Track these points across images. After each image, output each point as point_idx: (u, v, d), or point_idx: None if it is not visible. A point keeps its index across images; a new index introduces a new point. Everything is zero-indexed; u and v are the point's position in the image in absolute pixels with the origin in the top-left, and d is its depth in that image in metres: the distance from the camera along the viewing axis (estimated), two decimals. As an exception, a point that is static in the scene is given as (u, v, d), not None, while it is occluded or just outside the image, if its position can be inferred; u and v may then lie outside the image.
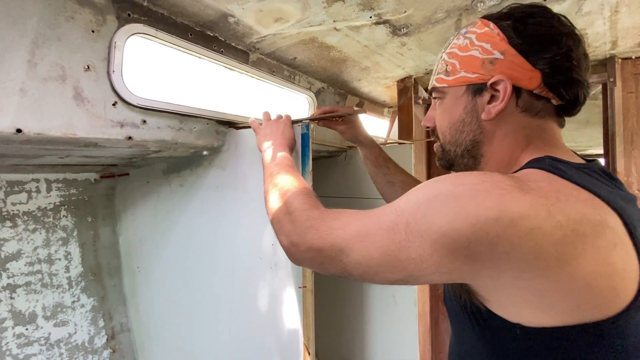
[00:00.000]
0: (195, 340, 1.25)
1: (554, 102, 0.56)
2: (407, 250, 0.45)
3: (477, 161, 0.62)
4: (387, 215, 0.50)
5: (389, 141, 1.93)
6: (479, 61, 0.57)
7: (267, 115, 1.00)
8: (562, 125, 0.59)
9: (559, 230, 0.39)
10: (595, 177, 0.49)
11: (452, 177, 0.47)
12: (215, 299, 1.19)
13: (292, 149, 0.91)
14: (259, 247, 1.07)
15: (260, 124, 0.98)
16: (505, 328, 0.45)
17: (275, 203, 0.70)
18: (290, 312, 1.00)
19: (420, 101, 1.87)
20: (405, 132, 1.80)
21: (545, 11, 0.56)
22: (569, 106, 0.57)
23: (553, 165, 0.49)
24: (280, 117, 0.97)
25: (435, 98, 0.66)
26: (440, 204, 0.44)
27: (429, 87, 0.69)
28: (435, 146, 0.70)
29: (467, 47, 0.59)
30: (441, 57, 0.65)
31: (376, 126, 2.32)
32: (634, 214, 0.45)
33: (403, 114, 1.80)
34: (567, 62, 0.53)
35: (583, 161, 0.55)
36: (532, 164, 0.52)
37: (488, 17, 0.58)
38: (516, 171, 0.52)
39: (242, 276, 1.12)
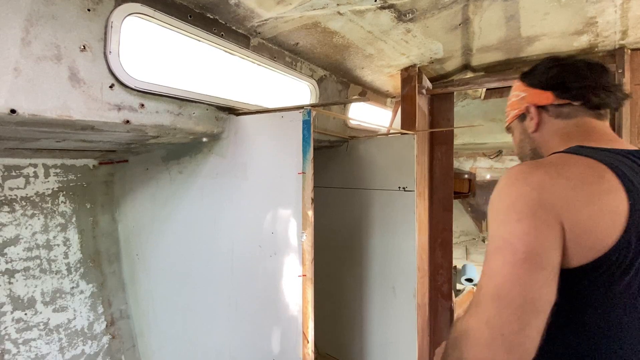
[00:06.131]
0: (194, 328, 1.25)
1: (576, 104, 0.79)
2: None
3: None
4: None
5: (391, 131, 1.90)
6: (516, 102, 0.90)
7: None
8: (600, 117, 0.79)
9: (568, 180, 0.61)
10: (614, 155, 0.66)
11: (497, 194, 0.66)
12: (214, 286, 1.18)
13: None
14: (259, 236, 1.06)
15: None
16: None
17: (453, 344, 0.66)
18: (290, 301, 0.99)
19: (424, 91, 1.84)
20: (408, 122, 1.77)
21: (550, 58, 0.85)
22: (590, 104, 0.78)
23: (573, 149, 0.71)
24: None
25: (511, 134, 0.98)
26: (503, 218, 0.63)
27: (506, 128, 1.00)
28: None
29: (510, 97, 0.93)
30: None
31: (379, 116, 2.30)
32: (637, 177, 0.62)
33: (406, 103, 1.77)
34: (558, 79, 0.81)
35: (623, 147, 0.71)
36: (566, 149, 0.73)
37: (519, 76, 0.90)
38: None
39: (241, 264, 1.11)
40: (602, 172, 0.61)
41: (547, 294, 0.56)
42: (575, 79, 0.79)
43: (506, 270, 0.57)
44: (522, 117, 0.90)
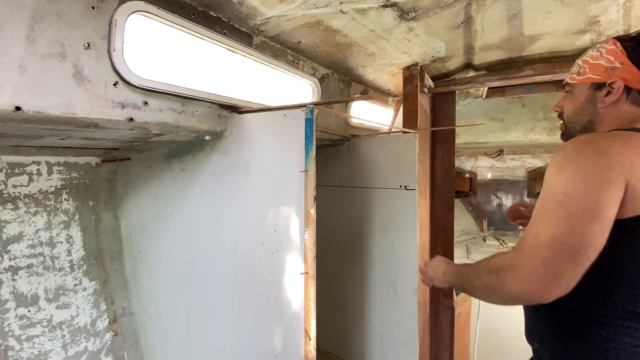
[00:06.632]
0: (196, 325, 1.26)
1: None
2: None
3: None
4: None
5: (393, 130, 1.91)
6: (603, 67, 0.81)
7: (422, 267, 1.14)
8: None
9: (634, 148, 0.68)
10: None
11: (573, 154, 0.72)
12: (216, 284, 1.19)
13: (450, 264, 1.05)
14: (261, 233, 1.07)
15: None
16: None
17: (486, 276, 0.79)
18: (292, 298, 1.00)
19: (426, 90, 1.84)
20: (410, 120, 1.77)
21: None
22: None
23: (632, 129, 0.75)
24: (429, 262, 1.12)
25: (566, 91, 0.92)
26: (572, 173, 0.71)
27: (563, 83, 0.93)
28: (560, 125, 0.96)
29: (597, 57, 0.83)
30: (577, 61, 0.90)
31: (380, 115, 2.30)
32: None
33: (408, 102, 1.77)
34: None
35: None
36: (625, 128, 0.77)
37: (617, 38, 0.81)
38: None
39: (244, 262, 1.12)
40: None
41: (599, 243, 0.65)
42: None
43: (567, 222, 0.66)
44: (598, 85, 0.83)
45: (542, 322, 0.86)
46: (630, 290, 0.71)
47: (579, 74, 0.87)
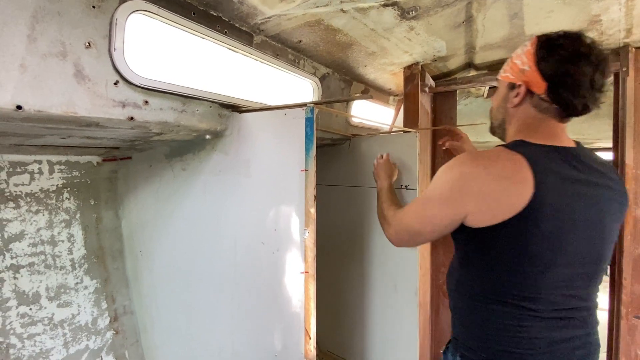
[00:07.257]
0: (197, 324, 1.26)
1: (556, 106, 0.80)
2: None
3: (504, 133, 0.94)
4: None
5: (394, 129, 1.90)
6: (517, 68, 0.84)
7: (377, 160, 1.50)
8: (563, 121, 0.84)
9: (489, 174, 0.77)
10: (544, 151, 0.79)
11: (449, 167, 0.86)
12: (217, 283, 1.19)
13: (391, 177, 1.43)
14: (262, 232, 1.07)
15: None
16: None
17: (381, 215, 1.18)
18: (292, 297, 1.00)
19: (426, 89, 1.84)
20: (410, 120, 1.77)
21: (573, 42, 0.76)
22: (568, 111, 0.80)
23: (514, 144, 0.81)
24: (381, 156, 1.50)
25: (496, 87, 0.97)
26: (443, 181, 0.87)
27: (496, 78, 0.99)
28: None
29: (518, 56, 0.85)
30: (507, 59, 0.92)
31: (381, 114, 2.29)
32: (557, 178, 0.76)
33: (409, 101, 1.77)
34: (564, 85, 0.77)
35: (565, 145, 0.82)
36: (507, 144, 0.83)
37: (539, 38, 0.81)
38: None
39: (244, 261, 1.12)
40: (521, 167, 0.75)
41: (430, 237, 0.92)
42: (577, 93, 0.76)
43: (417, 218, 0.92)
44: (511, 85, 0.86)
45: (452, 305, 1.02)
46: (498, 281, 0.83)
47: (504, 71, 0.90)
